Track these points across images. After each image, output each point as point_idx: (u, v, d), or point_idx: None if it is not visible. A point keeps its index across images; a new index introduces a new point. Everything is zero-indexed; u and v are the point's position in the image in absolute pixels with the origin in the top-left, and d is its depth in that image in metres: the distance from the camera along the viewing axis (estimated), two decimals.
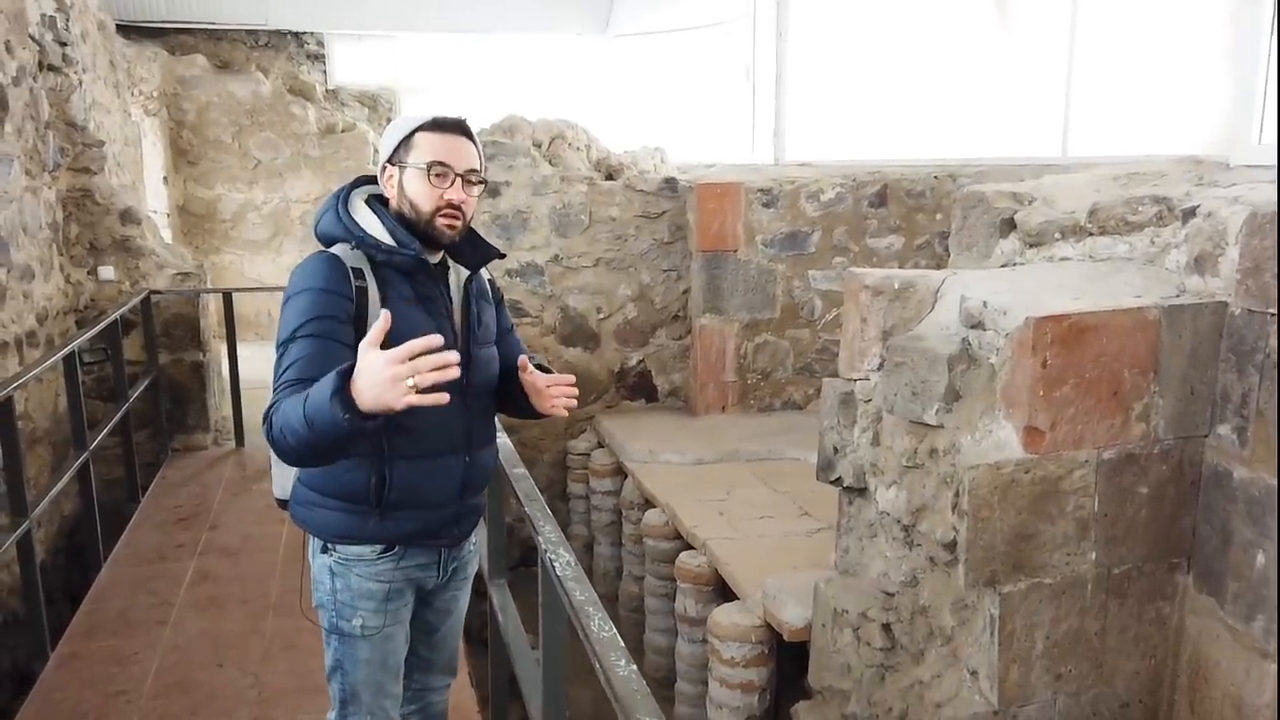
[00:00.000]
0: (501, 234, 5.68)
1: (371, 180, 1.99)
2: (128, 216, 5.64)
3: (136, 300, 5.30)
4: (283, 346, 1.72)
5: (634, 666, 1.30)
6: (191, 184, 9.50)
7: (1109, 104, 4.72)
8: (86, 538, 4.27)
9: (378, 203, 1.93)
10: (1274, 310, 2.27)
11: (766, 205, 5.60)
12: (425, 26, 10.37)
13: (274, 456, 1.87)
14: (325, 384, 1.48)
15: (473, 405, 1.98)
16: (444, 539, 2.02)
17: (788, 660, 3.57)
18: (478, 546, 2.18)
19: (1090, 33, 4.81)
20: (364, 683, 1.99)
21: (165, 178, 9.06)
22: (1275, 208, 2.34)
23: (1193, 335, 2.42)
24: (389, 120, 10.60)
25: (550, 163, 5.86)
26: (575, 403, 1.99)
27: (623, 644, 1.39)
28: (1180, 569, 2.54)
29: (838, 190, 5.61)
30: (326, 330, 1.71)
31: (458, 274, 2.02)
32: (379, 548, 1.92)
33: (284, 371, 1.68)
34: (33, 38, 5.04)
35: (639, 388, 6.08)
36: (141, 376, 5.35)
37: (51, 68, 5.34)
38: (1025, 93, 5.37)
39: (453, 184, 1.85)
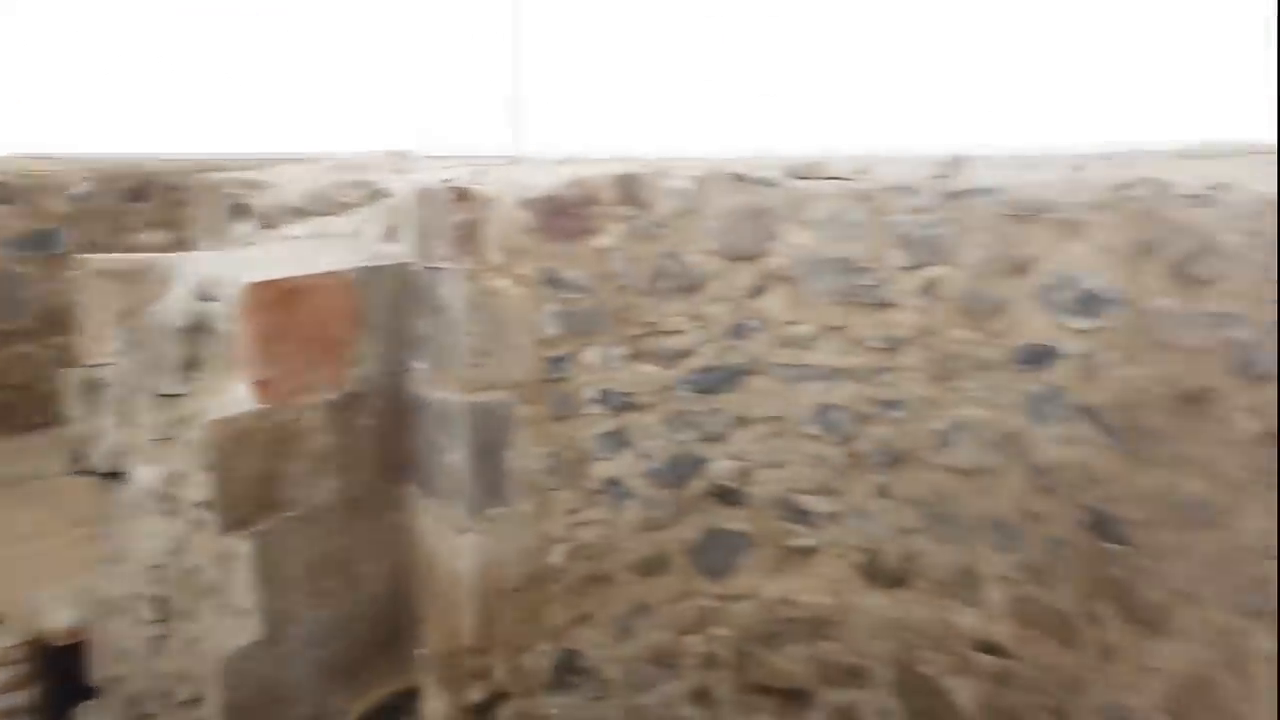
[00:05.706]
0: None
1: None
2: None
3: None
4: None
5: None
6: None
7: (327, 105, 5.32)
8: None
9: None
10: (446, 265, 2.90)
11: (2, 202, 4.99)
12: None
13: None
14: None
15: None
16: None
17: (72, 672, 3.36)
18: None
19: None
20: None
21: None
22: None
23: (389, 291, 2.97)
24: None
25: None
26: None
27: None
28: (407, 482, 3.10)
29: (89, 185, 5.26)
30: None
31: None
32: None
33: None
34: None
35: None
36: None
37: None
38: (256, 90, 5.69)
39: None
